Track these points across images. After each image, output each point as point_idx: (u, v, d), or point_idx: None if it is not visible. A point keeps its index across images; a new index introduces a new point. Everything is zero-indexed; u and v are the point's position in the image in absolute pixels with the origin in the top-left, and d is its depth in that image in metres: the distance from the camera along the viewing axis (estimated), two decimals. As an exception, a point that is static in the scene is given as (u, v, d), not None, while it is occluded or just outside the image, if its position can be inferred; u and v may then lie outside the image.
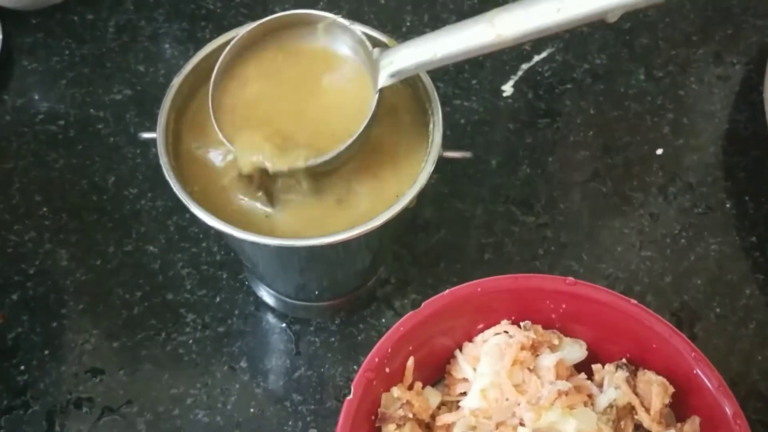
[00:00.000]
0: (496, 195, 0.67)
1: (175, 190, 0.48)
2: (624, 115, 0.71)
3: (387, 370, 0.47)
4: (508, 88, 0.72)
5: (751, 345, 0.60)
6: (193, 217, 0.65)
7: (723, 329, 0.61)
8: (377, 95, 0.47)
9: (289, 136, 0.48)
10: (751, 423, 0.56)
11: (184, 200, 0.47)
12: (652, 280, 0.62)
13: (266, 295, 0.61)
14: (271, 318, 0.61)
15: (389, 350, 0.46)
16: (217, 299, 0.62)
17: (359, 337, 0.60)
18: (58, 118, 0.70)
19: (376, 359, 0.46)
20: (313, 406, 0.58)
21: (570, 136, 0.69)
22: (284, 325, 0.61)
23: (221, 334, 0.60)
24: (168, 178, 0.48)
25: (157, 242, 0.64)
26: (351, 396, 0.45)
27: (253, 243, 0.46)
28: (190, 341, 0.60)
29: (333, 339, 0.60)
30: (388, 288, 0.62)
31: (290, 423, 0.57)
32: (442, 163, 0.67)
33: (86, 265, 0.63)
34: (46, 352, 0.59)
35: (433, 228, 0.65)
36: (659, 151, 0.69)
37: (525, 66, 0.73)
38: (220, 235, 0.63)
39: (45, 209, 0.65)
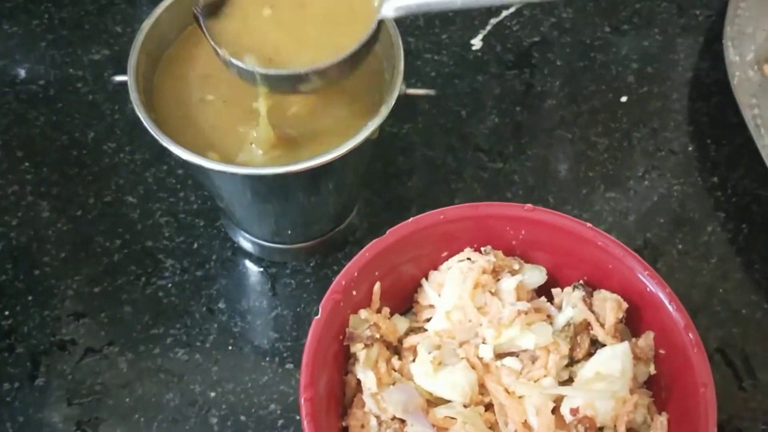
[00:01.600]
0: (465, 143, 0.69)
1: (141, 117, 0.49)
2: (590, 66, 0.73)
3: (354, 293, 0.49)
4: (477, 42, 0.74)
5: (712, 278, 0.62)
6: (170, 168, 0.68)
7: (685, 264, 0.63)
8: (376, 23, 0.47)
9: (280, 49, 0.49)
10: (712, 352, 0.59)
11: (152, 131, 0.48)
12: (615, 219, 0.65)
13: (243, 241, 0.63)
14: (247, 262, 0.63)
15: (356, 274, 0.48)
16: (195, 245, 0.63)
17: (333, 279, 0.62)
18: (39, 78, 0.72)
19: (343, 282, 0.48)
20: (289, 343, 0.59)
21: (537, 86, 0.71)
22: (261, 268, 0.63)
23: (199, 278, 0.62)
24: (138, 111, 0.49)
25: (135, 193, 0.66)
26: (319, 316, 0.47)
27: (221, 173, 0.48)
28: (169, 285, 0.62)
29: (308, 281, 0.62)
30: (361, 232, 0.64)
31: (267, 359, 0.59)
32: (412, 111, 0.70)
33: (67, 215, 0.65)
34: (30, 297, 0.61)
35: (405, 175, 0.67)
36: (624, 99, 0.71)
37: (494, 21, 0.75)
38: (198, 183, 0.65)
39: (27, 164, 0.67)
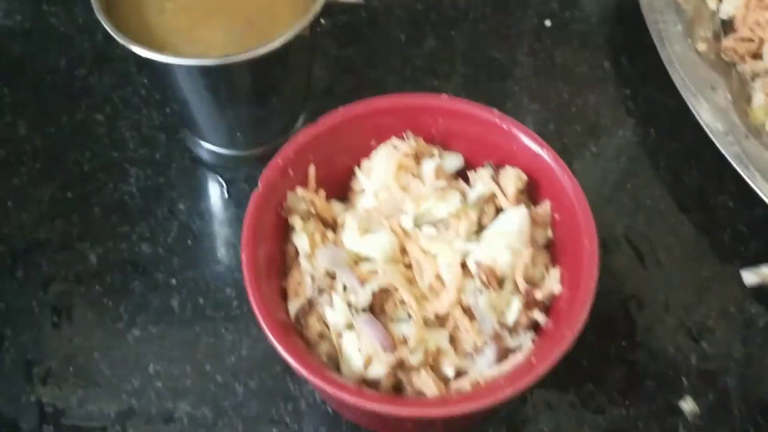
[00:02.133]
0: (405, 64, 0.76)
1: (101, 20, 0.56)
2: (517, -7, 0.80)
3: (290, 172, 0.55)
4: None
5: (621, 175, 0.70)
6: (135, 89, 0.74)
7: (597, 164, 0.70)
8: None
9: None
10: (619, 237, 0.66)
11: (111, 31, 0.55)
12: (536, 127, 0.71)
13: (200, 150, 0.70)
14: (205, 170, 0.70)
15: (291, 155, 0.55)
16: (157, 156, 0.70)
17: (282, 182, 0.69)
18: (15, 14, 0.78)
19: (279, 161, 0.55)
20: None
21: (469, 12, 0.79)
22: (217, 174, 0.70)
23: (161, 183, 0.69)
24: (98, 15, 0.56)
25: (103, 112, 0.72)
26: (258, 189, 0.54)
27: (172, 68, 0.55)
28: (134, 190, 0.68)
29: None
30: (308, 142, 0.71)
31: (222, 251, 0.66)
32: (356, 36, 0.77)
33: (42, 132, 0.71)
34: (9, 203, 0.68)
35: (349, 94, 0.73)
36: (548, 23, 0.78)
37: (430, -45, 0.82)
38: (159, 101, 0.72)
39: (5, 89, 0.74)
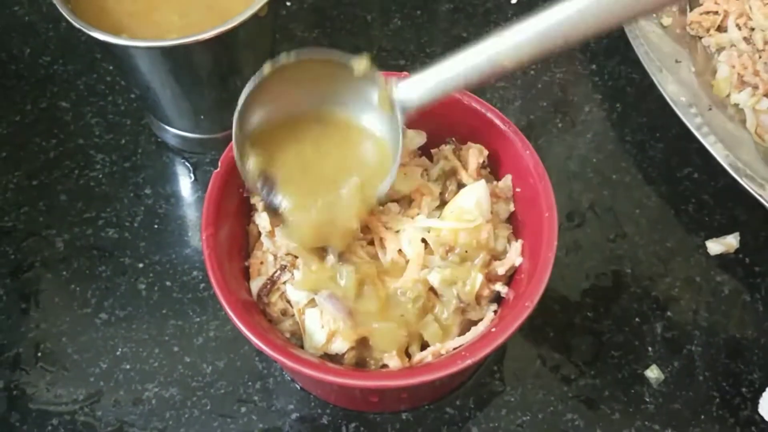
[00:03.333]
0: (371, 45, 0.76)
1: (58, 6, 0.55)
2: (484, -26, 0.80)
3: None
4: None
5: (587, 150, 0.70)
6: (99, 75, 0.74)
7: (563, 140, 0.70)
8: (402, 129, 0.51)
9: None
10: (584, 212, 0.67)
11: (69, 17, 0.55)
12: (502, 105, 0.72)
13: (166, 135, 0.69)
14: (171, 154, 0.70)
15: (251, 135, 0.55)
16: (123, 141, 0.70)
17: (249, 165, 0.69)
18: (-23, 3, 0.78)
19: (240, 141, 0.55)
20: (209, 220, 0.66)
21: (435, -8, 0.79)
22: (182, 158, 0.69)
23: (127, 168, 0.69)
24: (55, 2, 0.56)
25: (68, 99, 0.72)
26: (218, 169, 0.54)
27: (132, 50, 0.54)
28: (100, 176, 0.68)
29: (227, 168, 0.69)
30: (275, 124, 0.71)
31: (189, 234, 0.66)
32: (321, 17, 0.76)
33: (7, 120, 0.71)
34: (-26, 192, 0.68)
35: None
36: (513, 0, 0.78)
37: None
38: (124, 87, 0.72)
39: (-32, 78, 0.73)
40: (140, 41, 0.55)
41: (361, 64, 0.50)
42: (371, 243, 0.54)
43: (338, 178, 0.52)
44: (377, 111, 0.52)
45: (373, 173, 0.52)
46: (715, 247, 0.65)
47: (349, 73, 0.51)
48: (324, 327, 0.51)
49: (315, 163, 0.52)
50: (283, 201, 0.51)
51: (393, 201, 0.56)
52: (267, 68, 0.50)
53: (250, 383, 0.59)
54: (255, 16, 0.56)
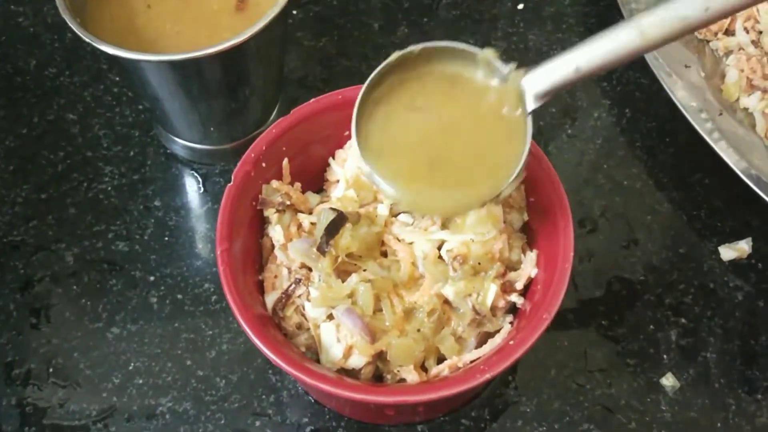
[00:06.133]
0: (378, 53, 0.75)
1: (66, 19, 0.55)
2: (491, -21, 0.80)
3: (264, 164, 0.55)
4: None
5: (597, 156, 0.70)
6: (107, 87, 0.74)
7: (573, 146, 0.70)
8: (530, 118, 0.49)
9: None
10: (596, 219, 0.66)
11: (76, 29, 0.54)
12: (512, 111, 0.71)
13: (174, 146, 0.69)
14: (180, 165, 0.69)
15: (264, 148, 0.55)
16: (131, 153, 0.70)
17: (259, 175, 0.69)
18: (-18, 14, 0.77)
19: (252, 155, 0.54)
20: (219, 232, 0.66)
21: (443, 0, 0.78)
22: (192, 170, 0.69)
23: (136, 180, 0.68)
24: (63, 15, 0.55)
25: (75, 111, 0.72)
26: (231, 183, 0.53)
27: (142, 63, 0.54)
28: (109, 188, 0.68)
29: (236, 178, 0.69)
30: (283, 134, 0.70)
31: (200, 246, 0.66)
32: (329, 26, 0.76)
33: (14, 133, 0.71)
34: (-18, 206, 0.67)
35: (323, 84, 0.74)
36: (520, 6, 0.78)
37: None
38: (132, 99, 0.71)
39: (-26, 91, 0.73)
40: (150, 55, 0.54)
41: (487, 53, 0.50)
42: (384, 255, 0.54)
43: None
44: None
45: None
46: (727, 252, 0.65)
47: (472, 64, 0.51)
48: (341, 341, 0.51)
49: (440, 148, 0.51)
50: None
51: (405, 213, 0.56)
52: (394, 56, 0.51)
53: (264, 396, 0.58)
54: (266, 28, 0.55)
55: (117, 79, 0.73)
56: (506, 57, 0.74)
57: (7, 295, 0.63)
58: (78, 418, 0.58)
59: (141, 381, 0.59)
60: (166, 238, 0.66)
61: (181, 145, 0.69)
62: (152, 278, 0.64)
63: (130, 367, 0.60)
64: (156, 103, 0.63)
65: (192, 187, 0.68)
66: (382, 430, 0.57)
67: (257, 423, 0.57)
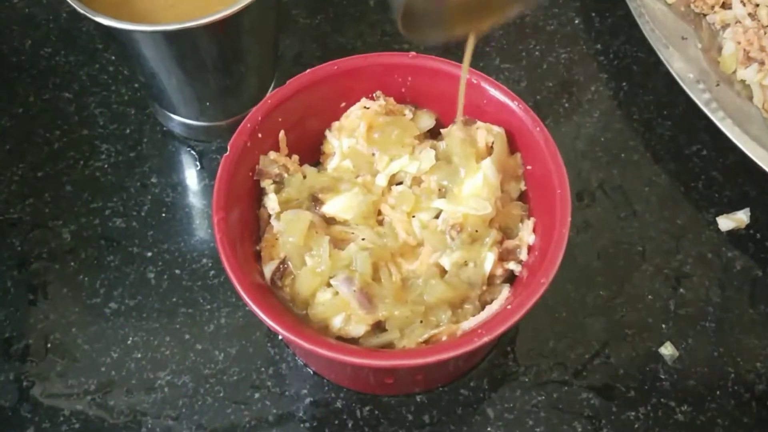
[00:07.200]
0: (374, 30, 0.75)
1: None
2: (486, -43, 0.79)
3: (260, 135, 0.55)
4: (382, -59, 0.80)
5: (594, 129, 0.69)
6: (102, 66, 0.73)
7: (570, 119, 0.70)
8: None
9: None
10: (594, 191, 0.66)
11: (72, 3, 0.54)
12: (508, 86, 0.70)
13: (171, 123, 0.69)
14: (176, 142, 0.69)
15: (259, 118, 0.54)
16: (128, 131, 0.70)
17: (255, 152, 0.69)
18: (-24, -4, 0.77)
19: (249, 125, 0.54)
20: (216, 208, 0.66)
21: (437, -25, 0.78)
22: (188, 146, 0.69)
23: (132, 158, 0.68)
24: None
25: (71, 90, 0.72)
26: (228, 153, 0.53)
27: (131, 34, 0.54)
28: (106, 166, 0.68)
29: (233, 155, 0.68)
30: (280, 111, 0.70)
31: (197, 222, 0.65)
32: (324, 3, 0.76)
33: (10, 113, 0.70)
34: (-22, 185, 0.67)
35: (319, 61, 0.72)
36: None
37: None
38: (127, 77, 0.71)
39: (-31, 71, 0.73)
40: (144, 26, 0.54)
41: None
42: (381, 224, 0.54)
43: None
44: None
45: None
46: (725, 223, 0.64)
47: None
48: (339, 310, 0.50)
49: None
50: None
51: (402, 183, 0.56)
52: None
53: (262, 369, 0.58)
54: (258, 1, 0.55)
55: (113, 58, 0.73)
56: (503, 32, 0.75)
57: (5, 272, 0.63)
58: (76, 392, 0.58)
59: (139, 355, 0.59)
60: (164, 215, 0.66)
61: (177, 122, 0.68)
62: (149, 254, 0.64)
63: (129, 342, 0.59)
64: (152, 78, 0.63)
65: (189, 164, 0.68)
66: (381, 401, 0.57)
67: (256, 395, 0.57)
